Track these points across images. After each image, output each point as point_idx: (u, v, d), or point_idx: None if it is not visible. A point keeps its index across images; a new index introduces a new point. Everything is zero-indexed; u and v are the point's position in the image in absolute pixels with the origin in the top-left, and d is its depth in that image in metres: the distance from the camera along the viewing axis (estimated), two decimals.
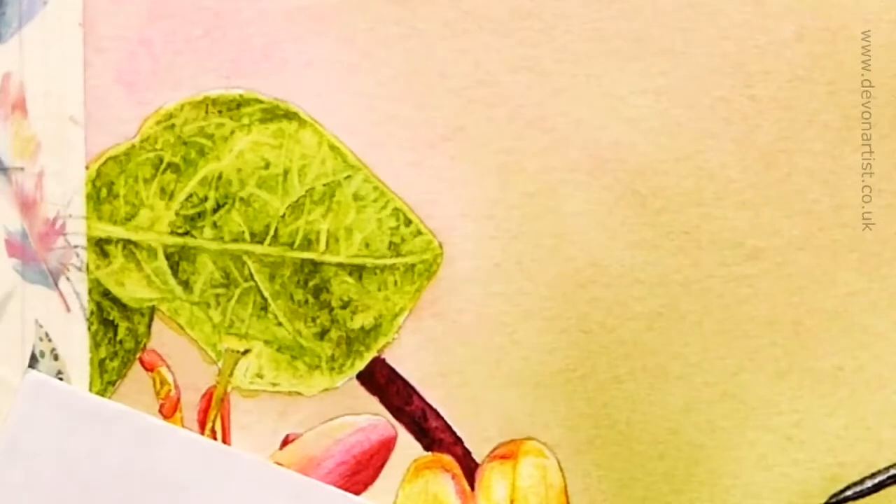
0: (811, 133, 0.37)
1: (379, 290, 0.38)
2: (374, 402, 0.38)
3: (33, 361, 0.37)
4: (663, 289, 0.37)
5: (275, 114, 0.38)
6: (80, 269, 0.38)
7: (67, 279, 0.38)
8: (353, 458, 0.38)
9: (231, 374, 0.38)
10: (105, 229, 0.38)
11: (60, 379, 0.38)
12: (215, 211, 0.38)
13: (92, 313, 0.38)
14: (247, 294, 0.38)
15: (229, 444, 0.38)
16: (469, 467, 0.38)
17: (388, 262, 0.38)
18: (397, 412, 0.38)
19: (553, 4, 0.38)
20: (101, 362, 0.38)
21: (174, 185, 0.38)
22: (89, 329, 0.38)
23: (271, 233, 0.38)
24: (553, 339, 0.38)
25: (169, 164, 0.38)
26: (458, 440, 0.38)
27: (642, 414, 0.37)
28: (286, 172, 0.38)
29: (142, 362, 0.38)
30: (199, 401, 0.38)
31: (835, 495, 0.37)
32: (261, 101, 0.38)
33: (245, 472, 0.37)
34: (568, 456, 0.38)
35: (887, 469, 0.37)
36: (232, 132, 0.38)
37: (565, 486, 0.38)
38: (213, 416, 0.38)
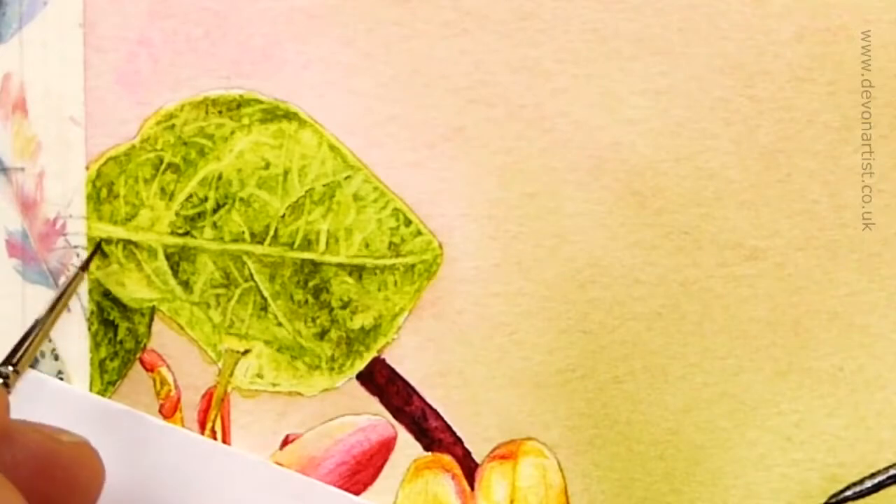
0: (811, 133, 0.37)
1: (379, 290, 0.38)
2: (374, 402, 0.38)
3: (33, 361, 0.37)
4: (663, 289, 0.37)
5: (275, 114, 0.38)
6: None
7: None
8: (353, 458, 0.38)
9: (231, 375, 0.38)
10: (105, 229, 0.38)
11: (61, 379, 0.38)
12: (215, 211, 0.38)
13: (92, 313, 0.38)
14: (247, 294, 0.38)
15: (229, 444, 0.38)
16: (469, 467, 0.38)
17: (388, 262, 0.38)
18: (397, 412, 0.38)
19: (553, 5, 0.38)
20: (101, 362, 0.38)
21: (174, 186, 0.38)
22: (89, 329, 0.38)
23: (271, 233, 0.38)
24: (553, 339, 0.38)
25: (169, 165, 0.38)
26: (458, 440, 0.38)
27: (642, 414, 0.37)
28: (286, 173, 0.38)
29: (142, 362, 0.38)
30: (199, 401, 0.38)
31: (835, 495, 0.37)
32: (261, 102, 0.38)
33: (245, 471, 0.37)
34: (568, 456, 0.38)
35: (887, 469, 0.37)
36: (232, 132, 0.38)
37: (565, 486, 0.38)
38: (213, 416, 0.38)
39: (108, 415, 0.37)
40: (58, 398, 0.37)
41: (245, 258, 0.38)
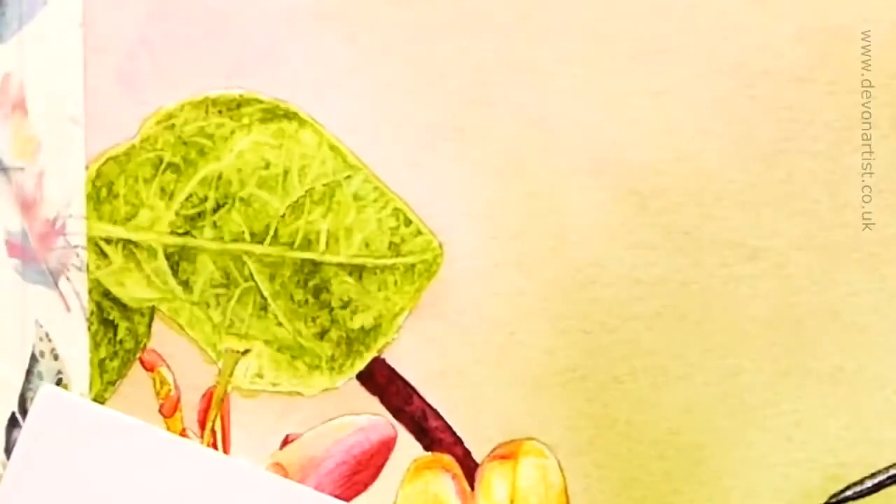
0: (811, 133, 0.37)
1: (379, 290, 0.38)
2: (374, 402, 0.38)
3: (33, 361, 0.37)
4: (663, 289, 0.37)
5: (275, 114, 0.38)
6: (80, 269, 0.38)
7: (67, 279, 0.38)
8: (353, 458, 0.38)
9: (231, 374, 0.38)
10: (105, 229, 0.38)
11: (60, 379, 0.38)
12: (215, 211, 0.38)
13: (92, 313, 0.38)
14: (247, 294, 0.38)
15: (229, 444, 0.38)
16: (469, 467, 0.38)
17: (388, 262, 0.38)
18: (397, 412, 0.38)
19: (553, 5, 0.38)
20: (101, 362, 0.38)
21: (174, 185, 0.38)
22: (89, 329, 0.38)
23: (271, 233, 0.38)
24: (553, 339, 0.38)
25: (169, 164, 0.38)
26: (458, 440, 0.38)
27: (642, 414, 0.37)
28: (286, 172, 0.38)
29: (142, 362, 0.38)
30: (199, 401, 0.38)
31: (835, 495, 0.37)
32: (261, 101, 0.38)
33: (258, 485, 0.37)
34: (568, 456, 0.38)
35: (887, 469, 0.37)
36: (232, 132, 0.38)
37: (565, 486, 0.38)
38: (213, 416, 0.38)
39: (121, 428, 0.37)
40: (71, 411, 0.37)
41: (245, 258, 0.38)
